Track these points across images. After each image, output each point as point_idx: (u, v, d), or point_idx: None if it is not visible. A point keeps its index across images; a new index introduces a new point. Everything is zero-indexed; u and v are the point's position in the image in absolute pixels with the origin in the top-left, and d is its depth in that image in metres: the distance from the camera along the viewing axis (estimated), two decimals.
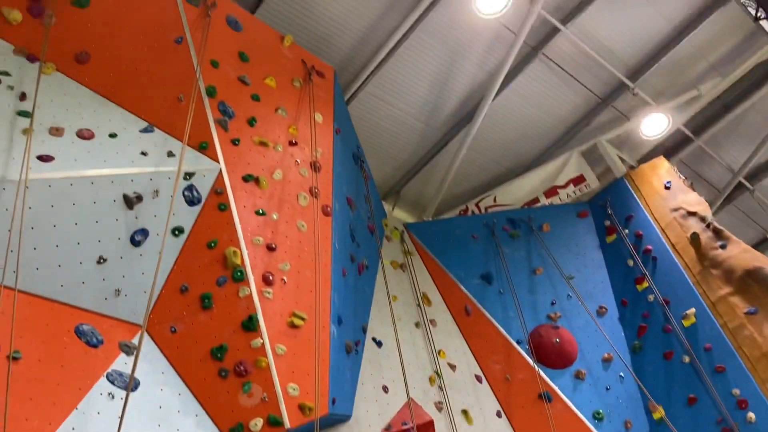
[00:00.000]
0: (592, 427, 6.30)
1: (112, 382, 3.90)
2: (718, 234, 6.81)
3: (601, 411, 6.36)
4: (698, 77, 8.25)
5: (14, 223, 3.62)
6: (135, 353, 3.83)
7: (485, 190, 8.54)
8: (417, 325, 6.32)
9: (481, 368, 6.41)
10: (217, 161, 4.76)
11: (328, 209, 5.29)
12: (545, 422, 6.00)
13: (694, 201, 7.26)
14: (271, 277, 4.57)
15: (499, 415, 6.20)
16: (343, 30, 6.96)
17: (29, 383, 3.56)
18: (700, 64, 8.13)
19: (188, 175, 4.56)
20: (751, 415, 5.94)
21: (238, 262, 4.46)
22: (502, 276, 6.85)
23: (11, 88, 4.23)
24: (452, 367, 6.19)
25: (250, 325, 4.35)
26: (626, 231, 7.38)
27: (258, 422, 4.11)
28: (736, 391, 6.09)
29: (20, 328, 3.58)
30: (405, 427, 5.24)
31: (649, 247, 7.15)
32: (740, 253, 6.62)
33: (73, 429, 3.59)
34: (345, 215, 5.72)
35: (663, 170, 7.73)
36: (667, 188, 7.48)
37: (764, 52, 7.89)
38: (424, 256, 7.08)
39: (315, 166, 5.37)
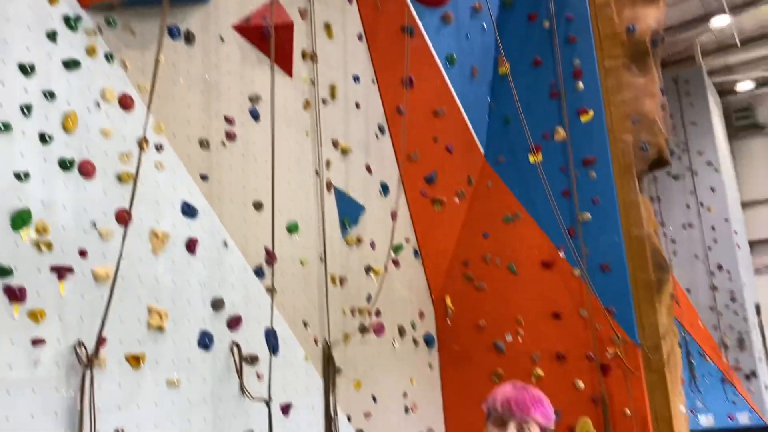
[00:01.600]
0: (442, 69, 6.72)
1: None
2: None
3: (454, 55, 6.73)
4: None
5: None
6: None
7: None
8: None
9: None
10: None
11: None
12: (401, 54, 6.27)
13: None
14: None
15: (360, 38, 6.35)
16: None
17: None
18: None
19: None
20: (581, 84, 6.59)
21: None
22: None
23: None
24: None
25: None
26: None
27: None
28: (577, 62, 6.63)
29: None
30: (264, 23, 5.23)
31: None
32: None
33: None
34: None
35: None
36: None
37: None
38: None
39: None
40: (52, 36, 3.81)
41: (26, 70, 3.65)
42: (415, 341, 6.63)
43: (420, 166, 6.81)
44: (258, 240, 4.99)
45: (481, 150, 7.12)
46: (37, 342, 3.47)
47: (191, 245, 4.42)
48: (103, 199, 3.92)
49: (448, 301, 6.97)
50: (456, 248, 7.08)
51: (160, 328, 4.09)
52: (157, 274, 4.17)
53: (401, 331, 6.42)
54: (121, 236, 3.77)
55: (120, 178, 4.02)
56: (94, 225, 3.84)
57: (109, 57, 4.10)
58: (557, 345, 6.28)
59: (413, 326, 6.64)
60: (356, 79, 6.33)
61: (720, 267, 11.96)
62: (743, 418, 11.52)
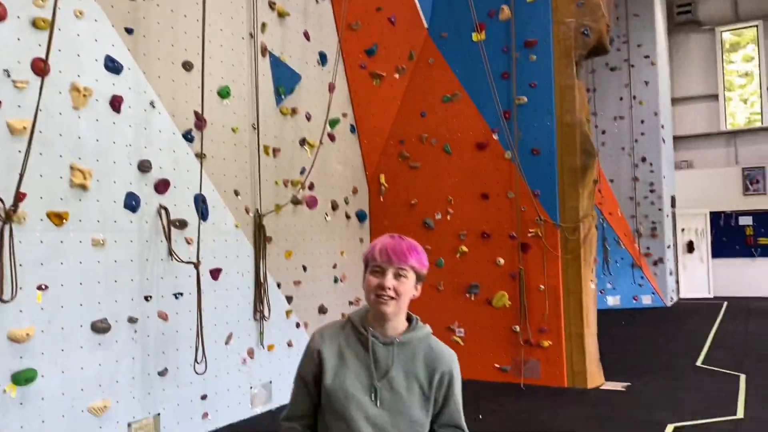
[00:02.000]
0: None
1: None
2: None
3: None
4: None
5: None
6: None
7: None
8: None
9: None
10: None
11: None
12: None
13: None
14: None
15: None
16: None
17: None
18: None
19: None
20: None
21: None
22: None
23: None
24: None
25: None
26: None
27: None
28: None
29: None
30: None
31: None
32: None
33: None
34: None
35: None
36: None
37: None
38: None
39: None
40: None
41: None
42: (347, 215, 6.73)
43: (361, 36, 6.59)
44: (187, 103, 4.80)
45: (425, 24, 6.92)
46: None
47: (116, 103, 4.21)
48: (16, 45, 3.62)
49: (383, 178, 7.04)
50: (393, 126, 7.05)
51: (84, 187, 3.96)
52: (80, 131, 3.98)
53: (334, 206, 6.49)
54: (38, 88, 3.54)
55: (34, 24, 3.70)
56: (8, 73, 3.57)
57: None
58: (483, 224, 6.52)
59: (346, 201, 6.71)
60: None
61: (644, 159, 12.45)
62: (646, 300, 12.55)
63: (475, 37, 6.50)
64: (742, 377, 6.23)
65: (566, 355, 6.07)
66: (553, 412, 5.22)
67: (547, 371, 6.12)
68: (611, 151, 12.73)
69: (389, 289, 1.53)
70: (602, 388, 6.01)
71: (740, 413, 5.02)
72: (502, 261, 6.38)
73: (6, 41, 3.58)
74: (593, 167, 6.11)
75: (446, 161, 6.75)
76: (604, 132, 12.75)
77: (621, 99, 12.75)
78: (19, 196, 3.50)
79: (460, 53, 6.70)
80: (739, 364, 6.85)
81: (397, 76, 6.92)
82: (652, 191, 12.65)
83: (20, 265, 3.56)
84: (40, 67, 3.63)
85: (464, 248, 6.59)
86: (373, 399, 1.57)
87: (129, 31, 4.34)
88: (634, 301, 12.53)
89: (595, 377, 6.10)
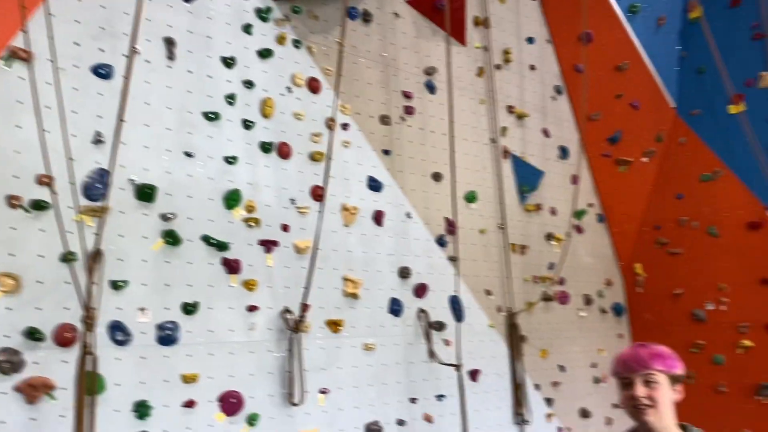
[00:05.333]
0: (623, 20, 6.25)
1: None
2: None
3: (638, 4, 6.23)
4: None
5: None
6: None
7: None
8: None
9: None
10: None
11: None
12: (577, 9, 5.92)
13: None
14: None
15: None
16: None
17: None
18: None
19: None
20: None
21: None
22: None
23: None
24: None
25: None
26: None
27: None
28: None
29: None
30: None
31: None
32: None
33: None
34: None
35: None
36: None
37: None
38: None
39: None
40: (247, 29, 4.14)
41: (228, 62, 4.01)
42: (602, 310, 6.37)
43: (602, 125, 6.45)
44: (438, 210, 5.08)
45: (671, 104, 6.56)
46: (251, 308, 3.86)
47: (378, 217, 4.62)
48: (299, 177, 4.22)
49: (639, 268, 6.58)
50: (646, 212, 6.63)
51: (355, 296, 4.35)
52: (349, 245, 4.42)
53: (587, 300, 6.21)
54: (317, 211, 4.05)
55: (312, 158, 4.30)
56: (293, 202, 4.16)
57: (296, 43, 4.37)
58: None
59: (600, 295, 6.38)
60: (530, 40, 6.14)
61: None
62: None
63: (733, 109, 5.96)
64: None
65: None
66: None
67: None
68: None
69: (642, 398, 1.42)
70: None
71: None
72: None
73: (290, 174, 4.20)
74: None
75: (713, 245, 6.11)
76: None
77: None
78: (304, 308, 3.95)
79: (716, 128, 6.18)
80: None
81: (645, 159, 6.58)
82: None
83: (305, 370, 3.96)
84: (318, 194, 4.16)
85: (747, 342, 5.77)
86: None
87: (386, 152, 4.80)
88: None
89: None
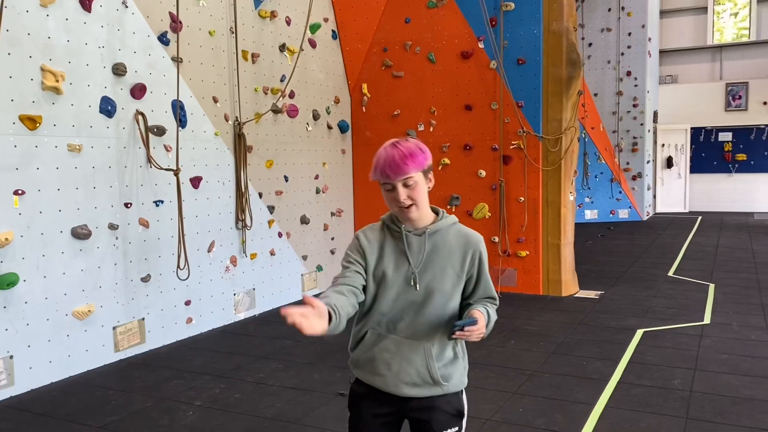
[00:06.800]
0: None
1: None
2: None
3: None
4: None
5: None
6: None
7: None
8: None
9: None
10: None
11: None
12: None
13: None
14: None
15: None
16: None
17: None
18: None
19: None
20: None
21: None
22: None
23: None
24: None
25: None
26: None
27: None
28: None
29: None
30: None
31: None
32: None
33: None
34: None
35: None
36: None
37: None
38: None
39: None
40: None
41: None
42: (329, 126, 6.64)
43: None
44: (161, 3, 4.59)
45: None
46: None
47: (86, 1, 4.01)
48: None
49: (365, 88, 6.90)
50: (376, 32, 6.84)
51: (57, 90, 3.84)
52: (48, 30, 3.80)
53: (315, 115, 6.39)
54: None
55: None
56: None
57: None
58: (466, 136, 6.48)
59: (328, 111, 6.60)
60: None
61: (629, 73, 12.31)
62: (623, 214, 12.79)
63: None
64: (711, 286, 6.46)
65: (543, 264, 6.22)
66: (528, 317, 5.40)
67: (523, 280, 6.29)
68: (597, 65, 12.57)
69: (405, 199, 1.64)
70: (576, 296, 6.21)
71: (707, 319, 5.23)
72: (483, 173, 6.39)
73: None
74: (578, 78, 6.03)
75: (430, 70, 6.62)
76: (590, 44, 12.53)
77: (609, 10, 12.46)
78: None
79: None
80: (708, 275, 7.08)
81: None
82: (635, 106, 12.62)
83: None
84: None
85: (446, 160, 6.57)
86: (412, 284, 1.70)
87: None
88: (612, 215, 12.76)
89: (570, 286, 6.29)
